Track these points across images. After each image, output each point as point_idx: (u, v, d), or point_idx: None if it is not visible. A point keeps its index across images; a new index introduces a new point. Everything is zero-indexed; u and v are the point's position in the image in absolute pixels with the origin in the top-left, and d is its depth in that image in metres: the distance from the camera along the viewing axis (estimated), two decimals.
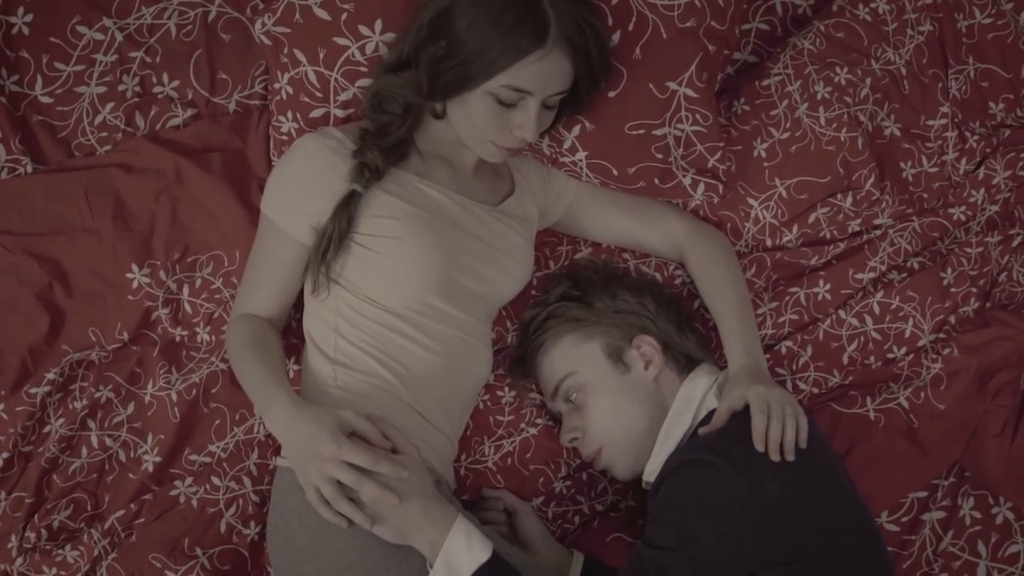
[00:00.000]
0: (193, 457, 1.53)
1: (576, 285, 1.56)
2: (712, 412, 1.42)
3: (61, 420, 1.50)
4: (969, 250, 1.71)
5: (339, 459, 1.23)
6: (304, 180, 1.39)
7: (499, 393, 1.58)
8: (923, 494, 1.64)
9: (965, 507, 1.64)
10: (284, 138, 1.53)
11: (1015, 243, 1.75)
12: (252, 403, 1.44)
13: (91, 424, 1.51)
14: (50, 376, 1.49)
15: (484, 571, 1.26)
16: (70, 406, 1.50)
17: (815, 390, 1.65)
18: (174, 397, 1.52)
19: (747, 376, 1.42)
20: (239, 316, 1.46)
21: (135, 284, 1.53)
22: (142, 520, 1.49)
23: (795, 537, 1.29)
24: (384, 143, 1.41)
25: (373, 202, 1.39)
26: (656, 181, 1.56)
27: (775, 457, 1.29)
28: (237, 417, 1.54)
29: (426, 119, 1.47)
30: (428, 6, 1.36)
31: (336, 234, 1.37)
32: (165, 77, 1.60)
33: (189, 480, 1.51)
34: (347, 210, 1.37)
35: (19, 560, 1.46)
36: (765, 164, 1.63)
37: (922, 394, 1.62)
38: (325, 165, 1.38)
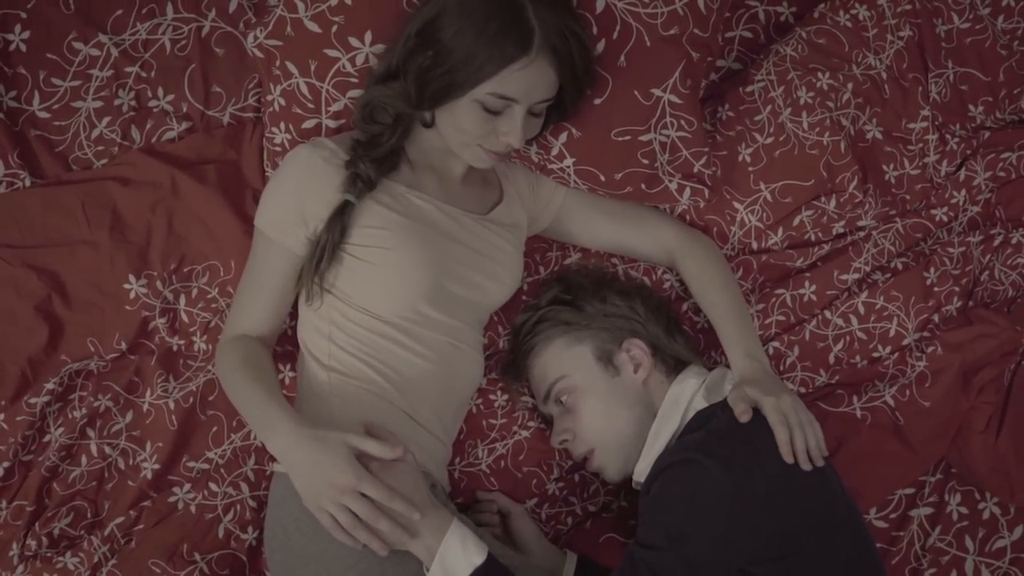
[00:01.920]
0: (191, 464, 1.54)
1: (567, 289, 1.57)
2: (699, 413, 1.44)
3: (61, 429, 1.51)
4: (951, 250, 1.74)
5: (356, 491, 1.24)
6: (298, 190, 1.41)
7: (492, 397, 1.60)
8: (911, 490, 1.66)
9: (952, 503, 1.66)
10: (277, 149, 1.55)
11: (996, 242, 1.77)
12: (248, 423, 1.43)
13: (90, 433, 1.52)
14: (49, 386, 1.50)
15: (480, 574, 1.27)
16: (69, 415, 1.51)
17: (802, 389, 1.66)
18: (172, 405, 1.53)
19: (754, 377, 1.43)
20: (231, 338, 1.45)
21: (132, 295, 1.55)
22: (141, 526, 1.50)
23: (784, 533, 1.30)
24: (375, 153, 1.42)
25: (364, 212, 1.40)
26: (643, 186, 1.57)
27: (806, 467, 1.31)
28: (234, 424, 1.55)
29: (416, 129, 1.48)
30: (415, 17, 1.38)
31: (330, 244, 1.39)
32: (160, 91, 1.62)
33: (187, 486, 1.52)
34: (340, 220, 1.39)
35: (20, 568, 1.47)
36: (750, 168, 1.65)
37: (907, 392, 1.63)
38: (318, 175, 1.40)
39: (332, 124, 1.53)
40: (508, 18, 1.31)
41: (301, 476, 1.28)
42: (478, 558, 1.28)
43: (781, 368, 1.66)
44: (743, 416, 1.35)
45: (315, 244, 1.40)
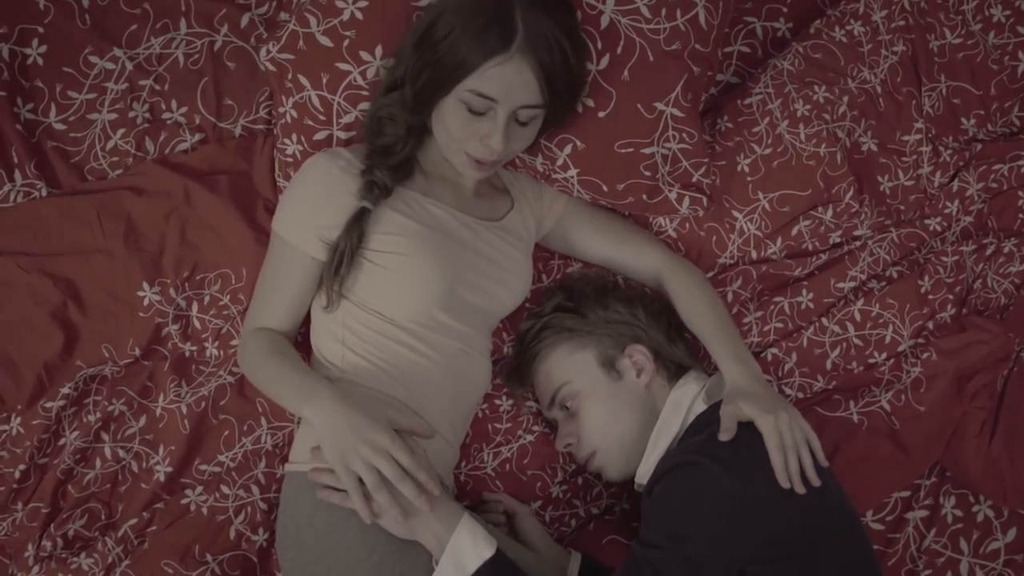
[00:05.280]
0: (203, 467, 1.56)
1: (570, 297, 1.60)
2: (700, 416, 1.46)
3: (76, 433, 1.53)
4: (945, 259, 1.76)
5: (387, 452, 1.29)
6: (316, 198, 1.43)
7: (497, 402, 1.62)
8: (906, 493, 1.68)
9: (947, 506, 1.68)
10: (289, 160, 1.57)
11: (989, 251, 1.80)
12: (282, 401, 1.42)
13: (104, 436, 1.54)
14: (65, 391, 1.53)
15: (488, 567, 1.30)
16: (84, 419, 1.54)
17: (800, 395, 1.68)
18: (184, 410, 1.55)
19: (748, 388, 1.44)
20: (254, 330, 1.48)
21: (146, 302, 1.57)
22: (154, 528, 1.52)
23: (784, 535, 1.32)
24: (391, 162, 1.45)
25: (382, 219, 1.43)
26: (644, 196, 1.60)
27: (800, 491, 1.32)
28: (245, 428, 1.57)
29: (427, 139, 1.51)
30: (416, 27, 1.42)
31: (348, 250, 1.41)
32: (174, 104, 1.65)
33: (199, 489, 1.54)
34: (358, 226, 1.41)
35: (36, 568, 1.48)
36: (748, 179, 1.67)
37: (903, 397, 1.66)
38: (336, 183, 1.42)
39: (343, 136, 1.55)
40: (495, 15, 1.33)
41: (336, 434, 1.31)
42: (487, 551, 1.31)
43: (779, 374, 1.68)
44: (724, 435, 1.35)
45: (333, 249, 1.42)
